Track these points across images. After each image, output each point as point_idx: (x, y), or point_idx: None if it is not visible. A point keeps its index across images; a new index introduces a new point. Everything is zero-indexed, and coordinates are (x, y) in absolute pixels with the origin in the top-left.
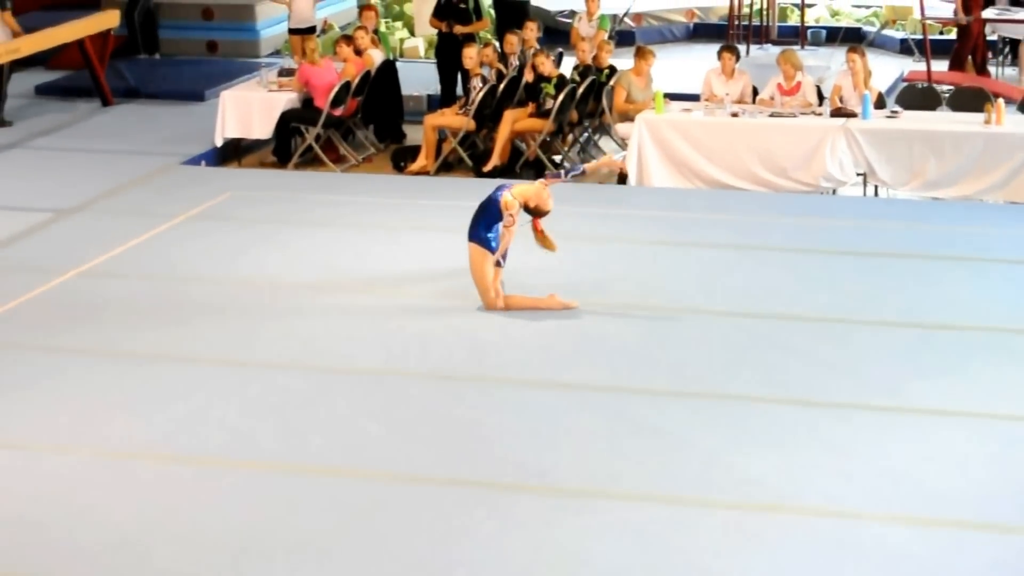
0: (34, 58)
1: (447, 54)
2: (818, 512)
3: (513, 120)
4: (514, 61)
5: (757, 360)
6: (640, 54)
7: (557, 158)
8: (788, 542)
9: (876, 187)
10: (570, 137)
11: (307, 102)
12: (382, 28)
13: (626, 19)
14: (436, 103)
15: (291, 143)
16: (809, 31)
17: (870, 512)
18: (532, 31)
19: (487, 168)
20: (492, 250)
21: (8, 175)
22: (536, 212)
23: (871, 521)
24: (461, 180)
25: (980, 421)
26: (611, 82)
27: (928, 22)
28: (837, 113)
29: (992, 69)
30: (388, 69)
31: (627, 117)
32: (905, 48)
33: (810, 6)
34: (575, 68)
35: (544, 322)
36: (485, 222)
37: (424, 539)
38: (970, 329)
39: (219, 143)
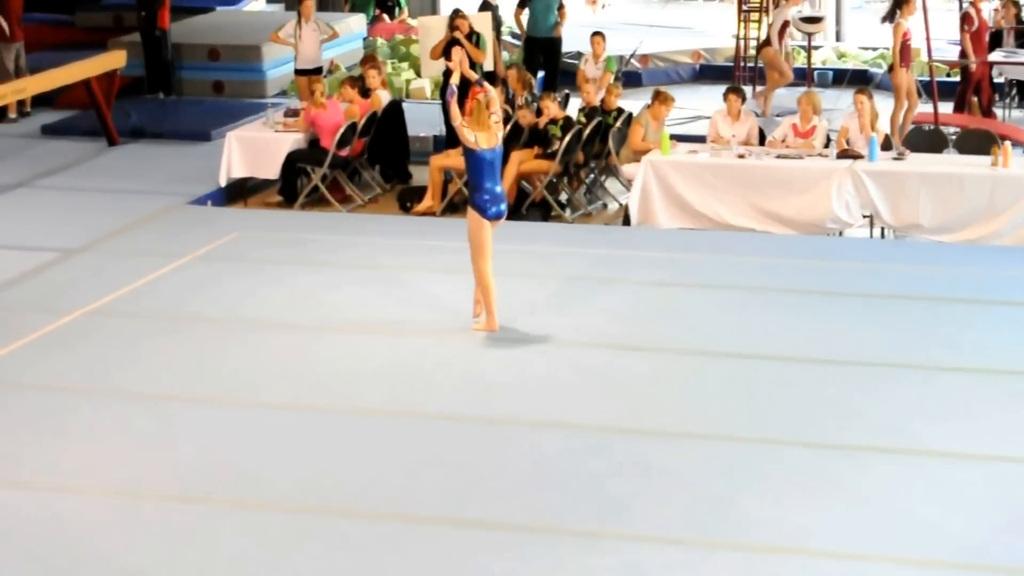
0: (41, 98)
1: None
2: (827, 554)
3: (519, 161)
4: (520, 102)
5: (763, 402)
6: (661, 98)
7: (563, 198)
8: None
9: (883, 229)
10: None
11: (313, 142)
12: (388, 69)
13: (632, 60)
14: (442, 144)
15: (297, 183)
16: (816, 73)
17: (879, 554)
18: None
19: None
20: (487, 216)
21: (14, 215)
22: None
23: (881, 563)
24: (467, 221)
25: (988, 463)
26: (617, 123)
27: (935, 64)
28: (844, 155)
29: (998, 111)
30: (394, 110)
31: (636, 158)
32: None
33: (817, 48)
34: (581, 110)
35: (551, 362)
36: (471, 184)
37: None
38: (977, 371)
39: (223, 183)
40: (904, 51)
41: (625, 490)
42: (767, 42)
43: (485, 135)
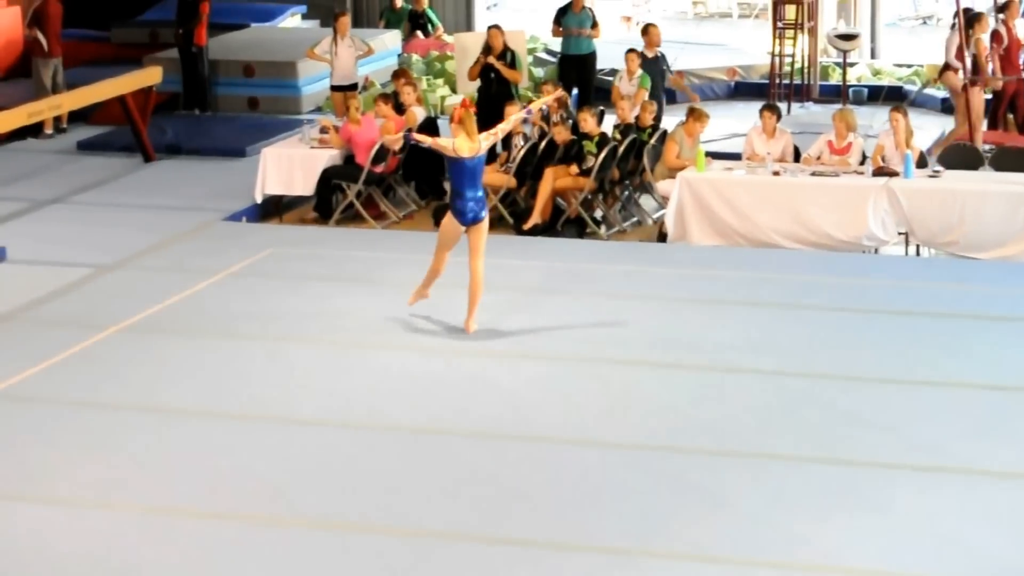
0: (76, 114)
1: (487, 112)
2: (865, 573)
3: (554, 178)
4: (556, 118)
5: (800, 419)
6: (695, 115)
7: (598, 215)
8: None
9: (918, 246)
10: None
11: (348, 159)
12: (423, 86)
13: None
14: None
15: (332, 200)
16: (851, 90)
17: (916, 573)
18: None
19: (528, 226)
20: (463, 222)
21: (50, 230)
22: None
23: None
24: (502, 238)
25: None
26: (652, 140)
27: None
28: (879, 172)
29: None
30: (429, 126)
31: (671, 175)
32: (947, 107)
33: (852, 65)
34: (616, 126)
35: (585, 379)
36: (452, 189)
37: None
38: (1013, 389)
39: (259, 199)
40: (979, 68)
41: (661, 508)
42: (947, 67)
43: (467, 144)
